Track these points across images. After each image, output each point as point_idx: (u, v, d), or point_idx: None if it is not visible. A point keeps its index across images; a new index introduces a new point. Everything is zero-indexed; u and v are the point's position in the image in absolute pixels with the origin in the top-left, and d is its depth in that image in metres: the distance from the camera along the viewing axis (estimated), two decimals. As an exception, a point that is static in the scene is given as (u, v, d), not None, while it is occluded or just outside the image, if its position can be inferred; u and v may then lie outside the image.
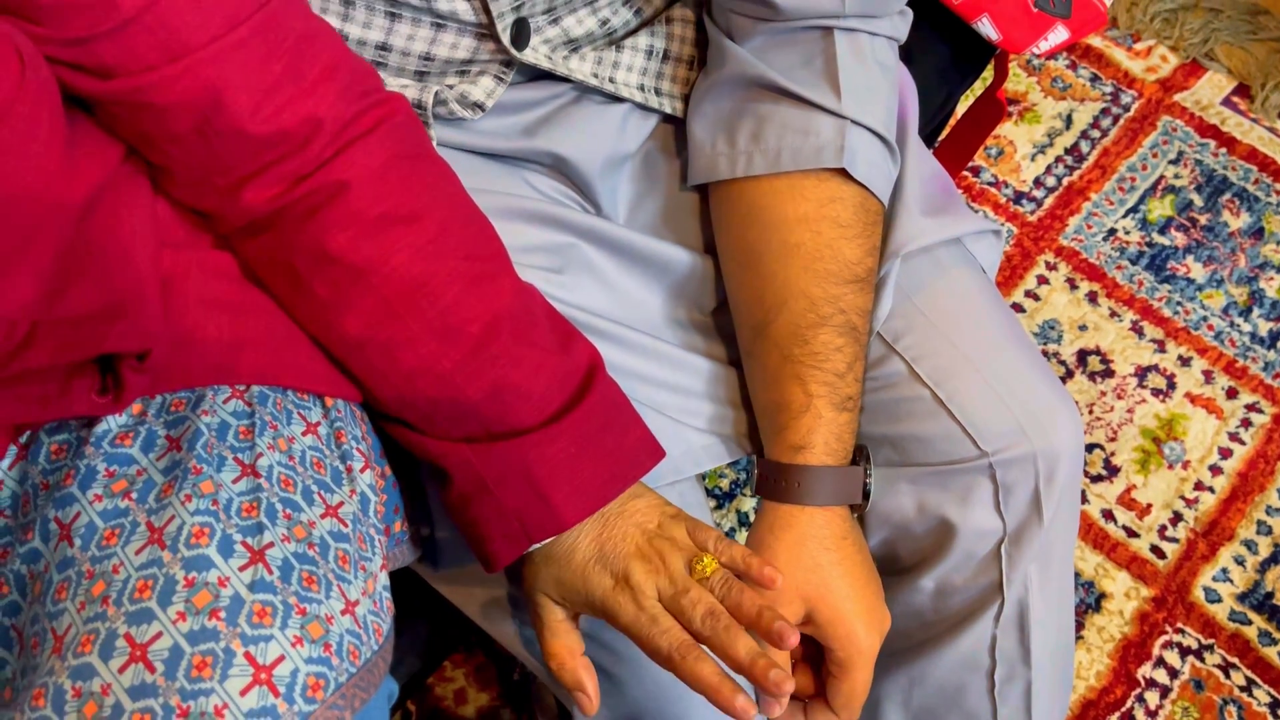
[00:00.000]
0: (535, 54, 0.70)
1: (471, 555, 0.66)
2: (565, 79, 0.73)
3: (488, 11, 0.66)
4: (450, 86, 0.70)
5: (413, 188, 0.57)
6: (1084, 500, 1.25)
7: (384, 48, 0.67)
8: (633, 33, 0.75)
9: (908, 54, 0.99)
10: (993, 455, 0.70)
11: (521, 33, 0.68)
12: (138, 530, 0.47)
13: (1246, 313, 1.38)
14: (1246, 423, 1.31)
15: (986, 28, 0.96)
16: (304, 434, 0.55)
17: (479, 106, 0.70)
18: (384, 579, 0.54)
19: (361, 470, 0.57)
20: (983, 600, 0.73)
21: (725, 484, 1.25)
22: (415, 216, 0.56)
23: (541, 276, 0.68)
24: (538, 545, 0.59)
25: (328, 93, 0.54)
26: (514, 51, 0.68)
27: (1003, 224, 1.44)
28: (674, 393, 0.73)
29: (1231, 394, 1.33)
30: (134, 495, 0.49)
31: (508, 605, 0.71)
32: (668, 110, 0.76)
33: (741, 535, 1.22)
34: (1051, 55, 1.25)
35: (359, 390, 0.58)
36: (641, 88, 0.75)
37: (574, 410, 0.58)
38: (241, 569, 0.46)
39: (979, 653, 0.74)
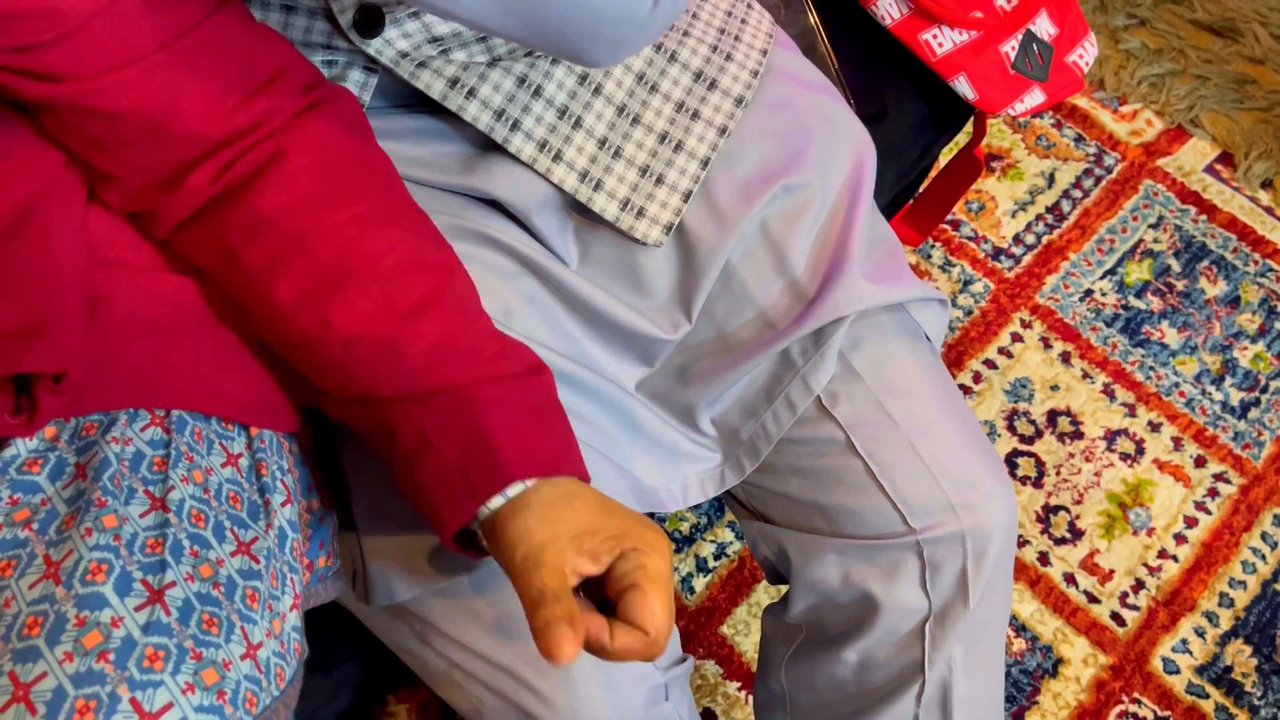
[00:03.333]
0: (388, 49, 0.64)
1: (400, 588, 0.64)
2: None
3: None
4: None
5: (352, 161, 0.55)
6: (1046, 563, 1.24)
7: None
8: (514, 53, 0.67)
9: (883, 109, 0.99)
10: (921, 533, 0.69)
11: (371, 20, 0.63)
12: (34, 563, 0.46)
13: (1219, 381, 1.37)
14: (1213, 492, 1.30)
15: (963, 87, 0.96)
16: (223, 465, 0.54)
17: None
18: (294, 619, 0.53)
19: (283, 504, 0.55)
20: (905, 678, 0.72)
21: (685, 528, 1.24)
22: (354, 185, 0.55)
23: (485, 296, 0.66)
24: (490, 507, 0.53)
25: (276, 91, 0.54)
26: (356, 40, 0.63)
27: (980, 279, 1.43)
28: (618, 436, 0.72)
29: (1200, 462, 1.32)
30: (35, 526, 0.47)
31: (434, 643, 0.69)
32: (521, 156, 0.67)
33: (701, 580, 1.20)
34: (1026, 116, 1.25)
35: (288, 418, 0.57)
36: (500, 114, 0.67)
37: (527, 378, 0.54)
38: (137, 609, 0.45)
39: None
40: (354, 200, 0.54)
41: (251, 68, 0.53)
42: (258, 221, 0.53)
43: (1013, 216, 1.48)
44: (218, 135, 0.52)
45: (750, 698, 1.14)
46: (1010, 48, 0.96)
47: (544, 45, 0.56)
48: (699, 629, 1.17)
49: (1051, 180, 1.51)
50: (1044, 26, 0.98)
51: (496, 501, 0.52)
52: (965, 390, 1.35)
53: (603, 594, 0.53)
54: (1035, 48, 0.96)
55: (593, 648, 0.51)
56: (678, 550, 1.23)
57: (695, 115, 0.73)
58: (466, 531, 0.56)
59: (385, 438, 0.54)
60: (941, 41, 0.95)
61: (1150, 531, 1.27)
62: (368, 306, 0.53)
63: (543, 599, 0.49)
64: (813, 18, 0.96)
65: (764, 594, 1.20)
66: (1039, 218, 1.48)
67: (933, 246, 1.45)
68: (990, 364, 1.37)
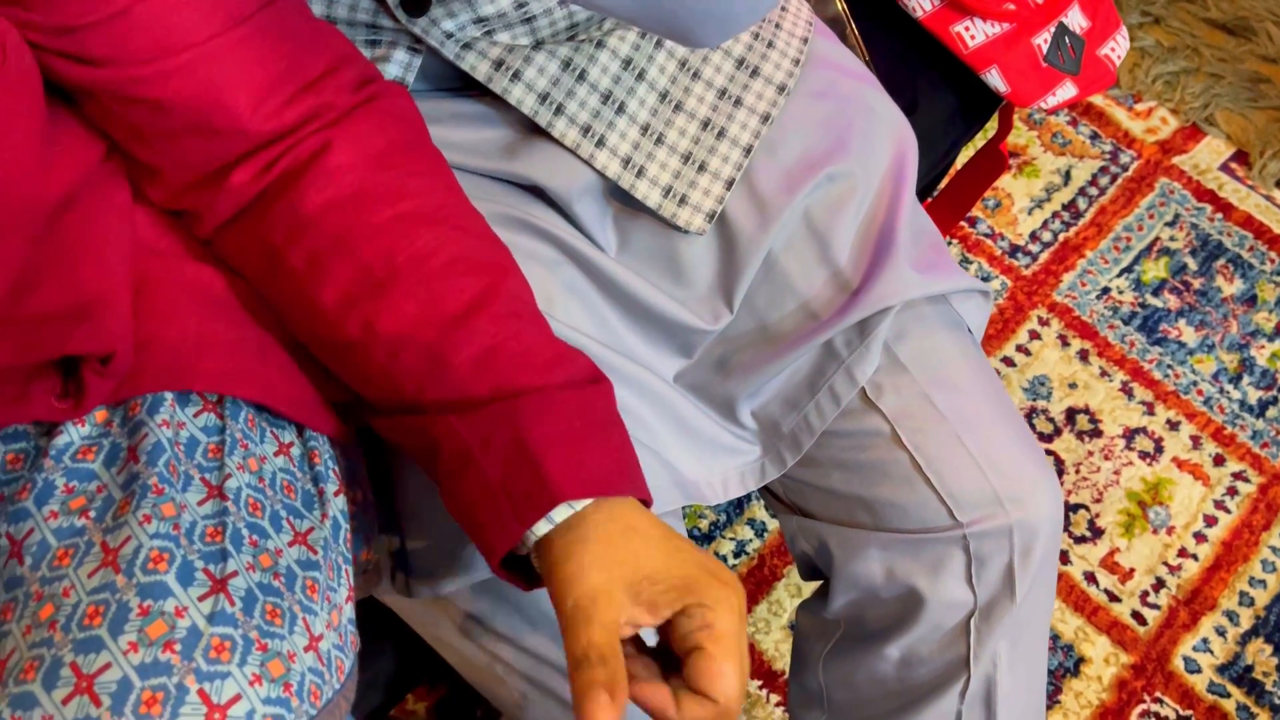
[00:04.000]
0: (434, 29, 0.62)
1: (443, 579, 0.63)
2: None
3: None
4: None
5: (396, 157, 0.53)
6: (1066, 561, 1.24)
7: None
8: (558, 36, 0.66)
9: (914, 102, 0.98)
10: (967, 526, 0.68)
11: (418, 0, 0.61)
12: (92, 551, 0.44)
13: (1236, 380, 1.37)
14: (1233, 491, 1.30)
15: (995, 80, 0.95)
16: (276, 454, 0.53)
17: (400, 83, 0.64)
18: (349, 610, 0.52)
19: (335, 494, 0.54)
20: (949, 674, 0.71)
21: (705, 525, 1.23)
22: (400, 183, 0.52)
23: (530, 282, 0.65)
24: (536, 532, 0.48)
25: (327, 88, 0.52)
26: (402, 19, 0.61)
27: (997, 276, 1.43)
28: (658, 427, 0.71)
29: (1219, 461, 1.31)
30: (91, 513, 0.46)
31: (477, 637, 0.68)
32: (565, 141, 0.66)
33: (719, 578, 1.19)
34: (1056, 110, 1.24)
35: (328, 419, 0.55)
36: (544, 98, 0.65)
37: (579, 389, 0.50)
38: (201, 599, 0.43)
39: None
40: (401, 198, 0.52)
41: (302, 63, 0.52)
42: (300, 221, 0.51)
43: (1029, 214, 1.48)
44: (265, 132, 0.51)
45: (771, 696, 1.13)
46: (1043, 40, 0.95)
47: (654, 24, 0.55)
48: (720, 627, 1.16)
49: (1068, 177, 1.51)
50: (1076, 19, 0.97)
51: (543, 527, 0.48)
52: (984, 387, 1.34)
53: (667, 644, 0.49)
54: (1068, 40, 0.96)
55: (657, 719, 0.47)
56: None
57: (738, 102, 0.72)
58: (519, 557, 0.53)
59: (429, 454, 0.51)
60: (974, 34, 0.95)
61: (1170, 530, 1.27)
62: (414, 309, 0.50)
63: (586, 660, 0.45)
64: (841, 4, 0.95)
65: (784, 592, 1.19)
66: (1055, 215, 1.48)
67: (950, 243, 1.45)
68: (1009, 361, 1.36)
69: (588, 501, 0.48)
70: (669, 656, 0.49)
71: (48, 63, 0.49)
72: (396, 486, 0.64)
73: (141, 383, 0.50)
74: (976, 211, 1.47)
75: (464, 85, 0.68)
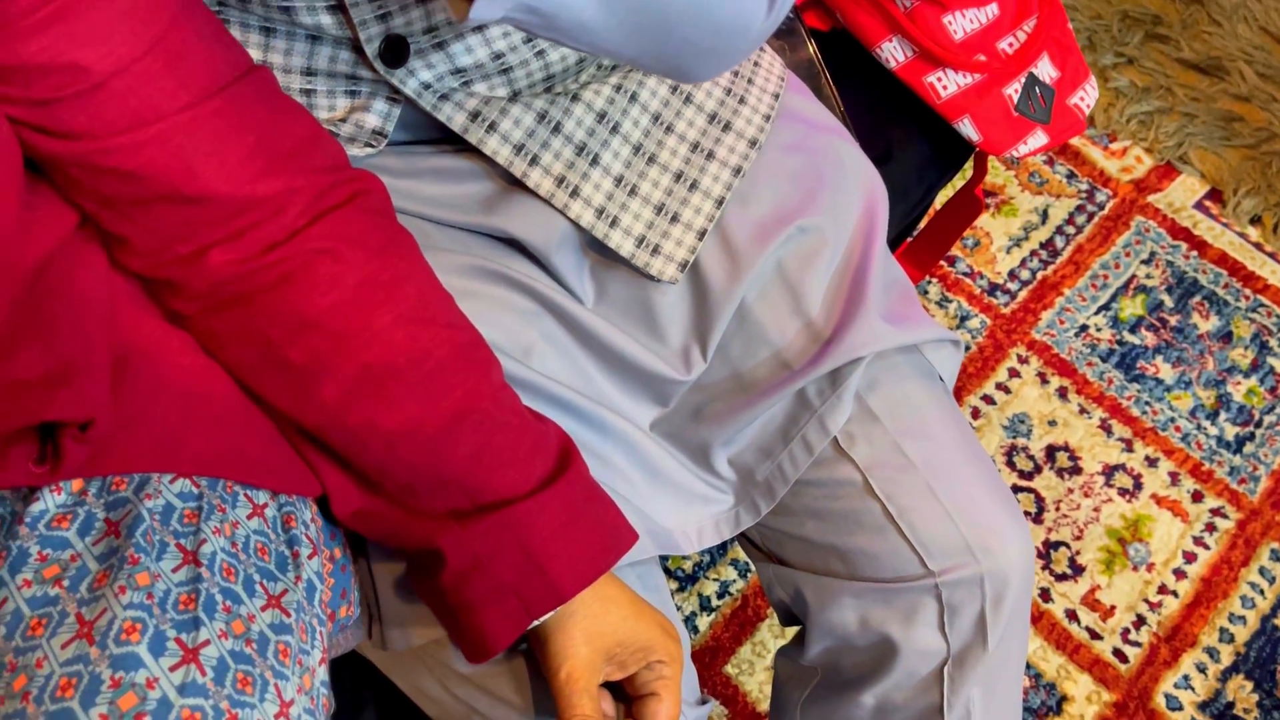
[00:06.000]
0: (411, 80, 0.64)
1: (416, 629, 0.64)
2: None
3: (352, 24, 0.61)
4: (343, 120, 0.66)
5: (390, 257, 0.55)
6: (1048, 599, 1.24)
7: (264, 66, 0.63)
8: (534, 88, 0.68)
9: (889, 149, 1.00)
10: (939, 575, 0.69)
11: (396, 51, 0.63)
12: (66, 622, 0.45)
13: (1214, 416, 1.38)
14: (1211, 527, 1.31)
15: (968, 129, 0.97)
16: (249, 517, 0.53)
17: (379, 134, 0.66)
18: (323, 673, 0.52)
19: (309, 556, 0.55)
20: (923, 721, 0.72)
21: (689, 566, 1.23)
22: (395, 283, 0.55)
23: (505, 335, 0.66)
24: (539, 620, 0.57)
25: (301, 165, 0.53)
26: (381, 70, 0.63)
27: (976, 314, 1.44)
28: (634, 476, 0.71)
29: (1197, 497, 1.33)
30: (65, 583, 0.46)
31: (453, 687, 0.68)
32: (539, 191, 0.67)
33: (704, 619, 1.20)
34: (1029, 157, 1.26)
35: (310, 483, 0.56)
36: (520, 149, 0.67)
37: (560, 478, 0.56)
38: (173, 669, 0.44)
39: None
40: (397, 298, 0.55)
41: (274, 136, 0.53)
42: (302, 321, 0.53)
43: (1007, 252, 1.49)
44: (236, 198, 0.52)
45: (755, 738, 1.13)
46: (1014, 90, 0.97)
47: (655, 63, 0.56)
48: (703, 669, 1.17)
49: (1045, 216, 1.53)
50: (1046, 70, 0.99)
51: (548, 616, 0.56)
52: (964, 426, 1.35)
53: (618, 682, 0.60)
54: (1038, 90, 0.98)
55: None
56: (681, 589, 1.22)
57: (710, 155, 0.73)
58: None
59: (425, 554, 0.57)
60: (946, 84, 0.96)
61: (1150, 567, 1.27)
62: (413, 409, 0.54)
63: None
64: (811, 46, 0.97)
65: (768, 633, 1.20)
66: (1033, 253, 1.50)
67: (929, 283, 1.46)
68: (988, 399, 1.38)
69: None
70: (615, 688, 0.61)
71: (20, 135, 0.50)
72: (368, 541, 0.65)
73: (126, 463, 0.51)
74: (955, 251, 1.49)
75: (441, 136, 0.70)
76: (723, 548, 1.24)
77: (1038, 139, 0.98)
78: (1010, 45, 0.98)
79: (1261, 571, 1.29)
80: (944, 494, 0.71)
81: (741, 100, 0.76)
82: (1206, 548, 1.29)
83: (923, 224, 1.24)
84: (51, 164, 0.51)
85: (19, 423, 0.49)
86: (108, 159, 0.50)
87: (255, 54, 0.63)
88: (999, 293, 1.46)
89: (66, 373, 0.49)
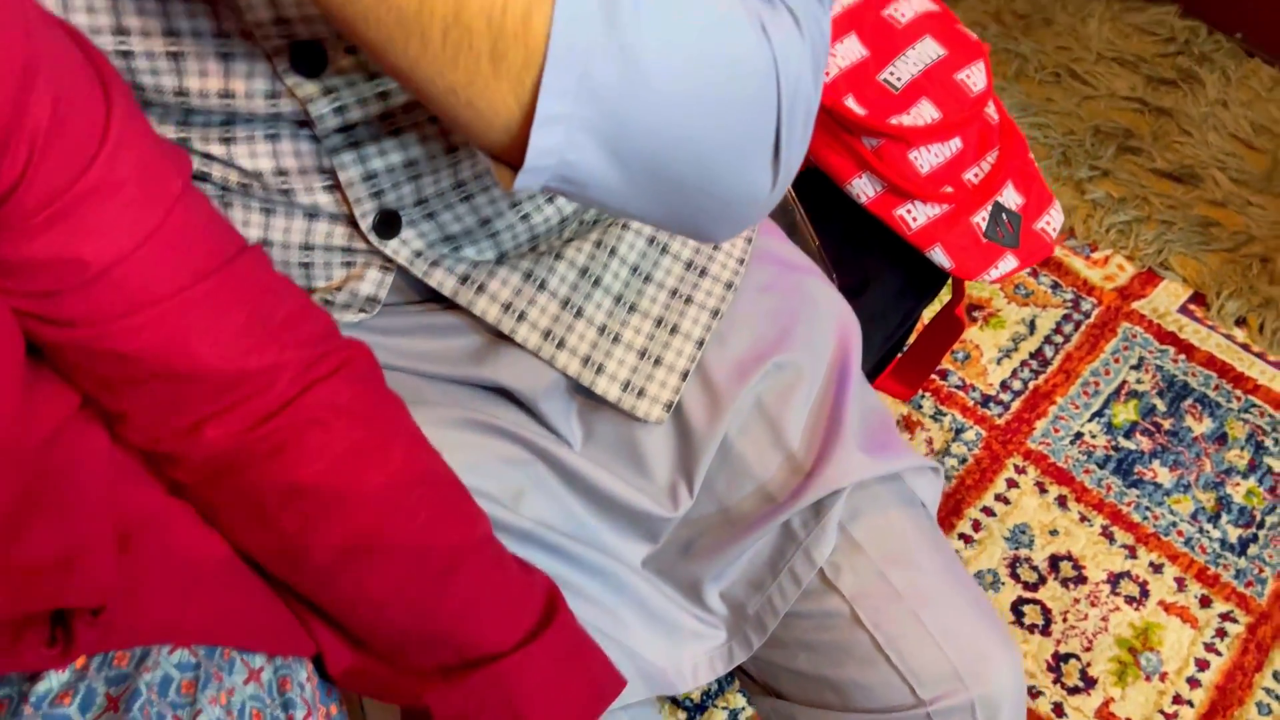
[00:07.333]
0: (404, 249, 0.67)
1: None
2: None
3: (348, 202, 0.65)
4: (338, 289, 0.69)
5: (378, 422, 0.58)
6: (1062, 714, 1.23)
7: (264, 244, 0.67)
8: (520, 248, 0.71)
9: (865, 279, 1.04)
10: (930, 704, 0.70)
11: (389, 223, 0.67)
12: (67, 798, 0.46)
13: (1215, 519, 1.39)
14: (1222, 633, 1.30)
15: (940, 257, 1.01)
16: (245, 682, 0.55)
17: (373, 300, 0.69)
18: (319, 836, 0.53)
19: (305, 718, 0.56)
20: None
21: (697, 695, 1.23)
22: (383, 448, 0.57)
23: (495, 483, 0.69)
24: None
25: (290, 340, 0.56)
26: (375, 241, 0.66)
27: (971, 426, 1.46)
28: (626, 617, 0.73)
29: (1205, 602, 1.32)
30: (67, 759, 0.48)
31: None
32: (527, 345, 0.71)
33: (712, 749, 1.19)
34: (1001, 281, 1.30)
35: (306, 643, 0.58)
36: (507, 307, 0.70)
37: (546, 630, 0.58)
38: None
39: None
40: (385, 461, 0.57)
41: (265, 312, 0.55)
42: (295, 489, 0.55)
43: (998, 364, 1.52)
44: (229, 373, 0.54)
45: None
46: (981, 219, 1.01)
47: (676, 226, 0.61)
48: (715, 801, 1.15)
49: (1033, 327, 1.56)
50: (1011, 197, 1.03)
51: None
52: (965, 539, 1.36)
53: None
54: (1004, 217, 1.02)
55: None
56: (690, 719, 1.21)
57: (689, 300, 0.76)
58: None
59: (413, 709, 0.58)
60: (915, 216, 1.01)
61: (1163, 676, 1.26)
62: (403, 569, 0.56)
63: None
64: (789, 192, 1.02)
65: (779, 760, 1.18)
66: (1024, 364, 1.52)
67: (923, 397, 1.48)
68: (989, 511, 1.38)
69: None
70: None
71: (23, 323, 0.52)
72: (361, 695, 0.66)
73: (132, 637, 0.52)
74: (947, 364, 1.52)
75: (432, 297, 0.73)
76: (731, 676, 1.24)
77: (1008, 263, 1.02)
78: (975, 176, 1.02)
79: (1276, 676, 1.27)
80: (931, 621, 0.72)
81: (716, 246, 0.80)
82: (1219, 654, 1.28)
83: (912, 338, 1.27)
84: (52, 349, 0.53)
85: (35, 608, 0.50)
86: (104, 343, 0.52)
87: (256, 232, 0.67)
88: (992, 404, 1.48)
89: (75, 556, 0.51)
